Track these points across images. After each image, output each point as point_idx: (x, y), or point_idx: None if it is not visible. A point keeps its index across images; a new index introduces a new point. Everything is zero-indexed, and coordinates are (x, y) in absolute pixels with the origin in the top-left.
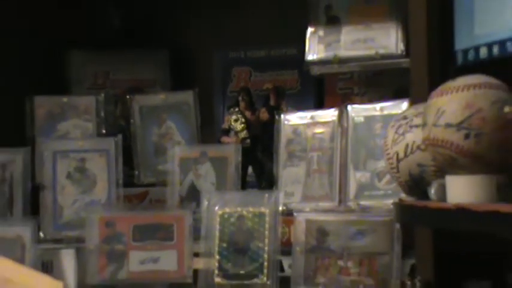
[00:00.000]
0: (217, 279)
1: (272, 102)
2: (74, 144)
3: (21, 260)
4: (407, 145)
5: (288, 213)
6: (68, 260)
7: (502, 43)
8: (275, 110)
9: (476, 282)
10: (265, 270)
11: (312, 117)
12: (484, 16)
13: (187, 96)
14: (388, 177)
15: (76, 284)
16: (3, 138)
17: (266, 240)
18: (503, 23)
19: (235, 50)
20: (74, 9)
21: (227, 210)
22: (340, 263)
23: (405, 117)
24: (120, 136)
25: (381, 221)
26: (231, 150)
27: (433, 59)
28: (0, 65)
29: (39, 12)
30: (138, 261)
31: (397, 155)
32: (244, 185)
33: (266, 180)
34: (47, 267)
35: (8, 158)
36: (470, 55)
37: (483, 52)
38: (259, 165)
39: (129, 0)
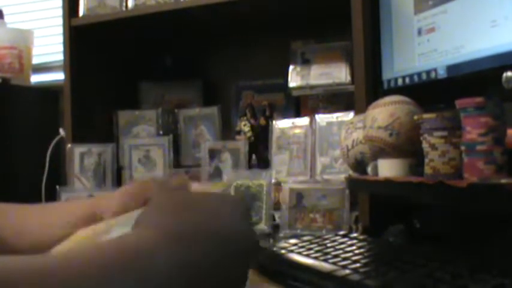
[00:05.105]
0: None
1: (268, 113)
2: (142, 141)
3: None
4: (353, 140)
5: (278, 184)
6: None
7: (410, 76)
8: (269, 119)
9: (396, 226)
10: (264, 220)
11: (293, 123)
12: (399, 59)
13: (213, 110)
14: (341, 160)
15: None
16: (100, 137)
17: (264, 201)
18: (410, 64)
19: (244, 80)
20: (143, 55)
21: (239, 182)
22: (311, 215)
23: (352, 122)
24: (171, 136)
25: (337, 188)
26: (241, 144)
27: (369, 85)
28: (99, 92)
29: (123, 57)
30: None
31: (347, 146)
32: (250, 166)
33: (264, 163)
34: None
35: (102, 149)
36: (392, 83)
37: (399, 81)
38: (259, 153)
39: (176, 50)
